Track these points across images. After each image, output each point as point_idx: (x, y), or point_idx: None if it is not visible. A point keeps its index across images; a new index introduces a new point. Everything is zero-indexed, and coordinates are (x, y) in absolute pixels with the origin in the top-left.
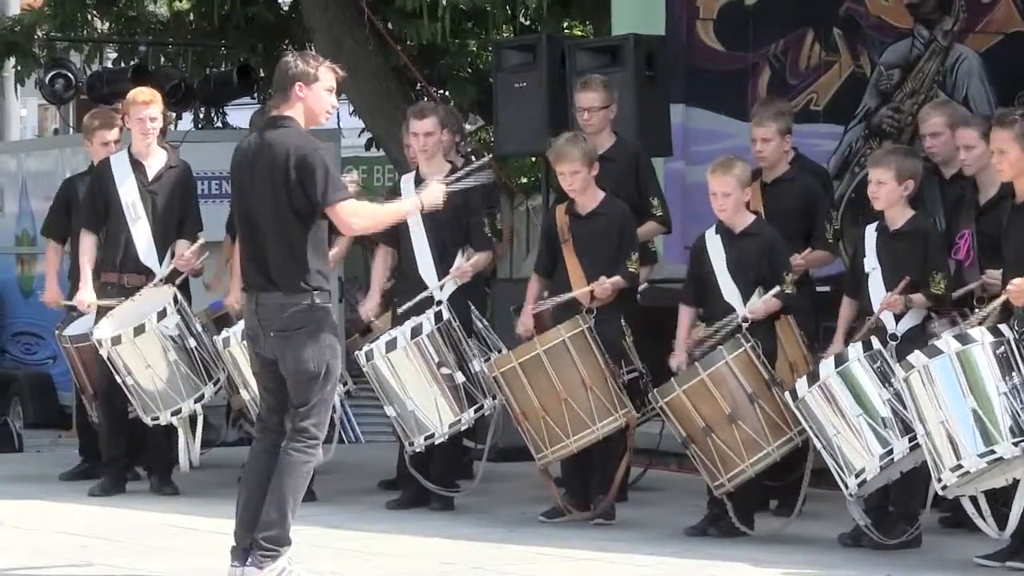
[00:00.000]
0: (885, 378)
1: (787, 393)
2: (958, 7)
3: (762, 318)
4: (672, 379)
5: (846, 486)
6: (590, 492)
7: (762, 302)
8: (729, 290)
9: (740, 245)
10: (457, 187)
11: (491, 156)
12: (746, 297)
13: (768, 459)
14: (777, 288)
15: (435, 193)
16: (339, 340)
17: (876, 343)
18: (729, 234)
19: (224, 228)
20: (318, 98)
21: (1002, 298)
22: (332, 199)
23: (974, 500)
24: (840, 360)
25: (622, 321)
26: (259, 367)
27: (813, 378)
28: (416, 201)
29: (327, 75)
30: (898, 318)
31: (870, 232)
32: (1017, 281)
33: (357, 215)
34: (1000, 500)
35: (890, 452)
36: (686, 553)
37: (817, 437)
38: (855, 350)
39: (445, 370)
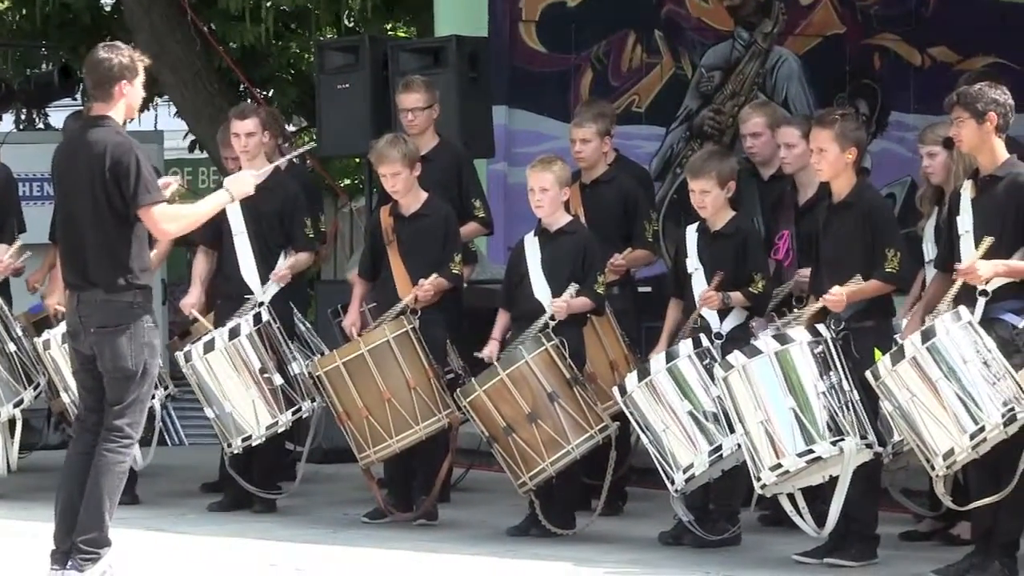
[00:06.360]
0: (713, 376)
1: (615, 388)
2: (777, 10)
3: (565, 315)
4: (472, 379)
5: (673, 482)
6: (413, 493)
7: (564, 299)
8: (540, 288)
9: (554, 244)
10: (269, 170)
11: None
12: (556, 296)
13: (568, 457)
14: (575, 286)
15: (244, 180)
16: (159, 340)
17: (705, 340)
18: (545, 234)
19: (47, 230)
20: (138, 93)
21: (819, 304)
22: (143, 202)
23: (791, 498)
24: (670, 356)
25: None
26: (78, 365)
27: (643, 374)
28: (226, 194)
29: (142, 67)
30: (722, 317)
31: (691, 232)
32: (836, 290)
33: (168, 219)
34: (819, 498)
35: (719, 448)
36: (508, 553)
37: (644, 432)
38: (685, 347)
39: (263, 372)
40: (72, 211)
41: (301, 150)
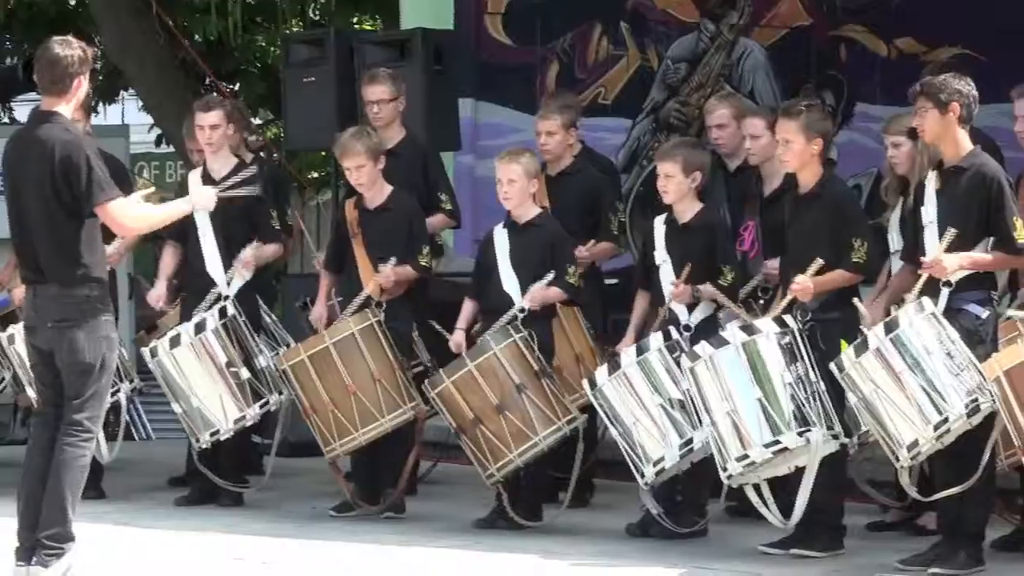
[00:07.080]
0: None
1: (585, 381)
2: (743, 1)
3: (538, 306)
4: (440, 370)
5: (642, 475)
6: (379, 486)
7: (539, 290)
8: (509, 281)
9: (524, 237)
10: (229, 194)
11: (258, 170)
12: (525, 289)
13: (536, 449)
14: (550, 276)
15: (207, 196)
16: (116, 333)
17: (675, 333)
18: (515, 227)
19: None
20: (86, 85)
21: (789, 297)
22: (98, 200)
23: (758, 489)
24: (640, 349)
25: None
26: (36, 359)
27: (613, 367)
28: (187, 204)
29: (90, 59)
30: (691, 309)
31: (659, 224)
32: (800, 279)
33: (127, 215)
34: (785, 489)
35: (689, 442)
36: (476, 545)
37: (613, 425)
38: (655, 340)
39: (230, 366)
40: (22, 206)
41: (247, 174)
